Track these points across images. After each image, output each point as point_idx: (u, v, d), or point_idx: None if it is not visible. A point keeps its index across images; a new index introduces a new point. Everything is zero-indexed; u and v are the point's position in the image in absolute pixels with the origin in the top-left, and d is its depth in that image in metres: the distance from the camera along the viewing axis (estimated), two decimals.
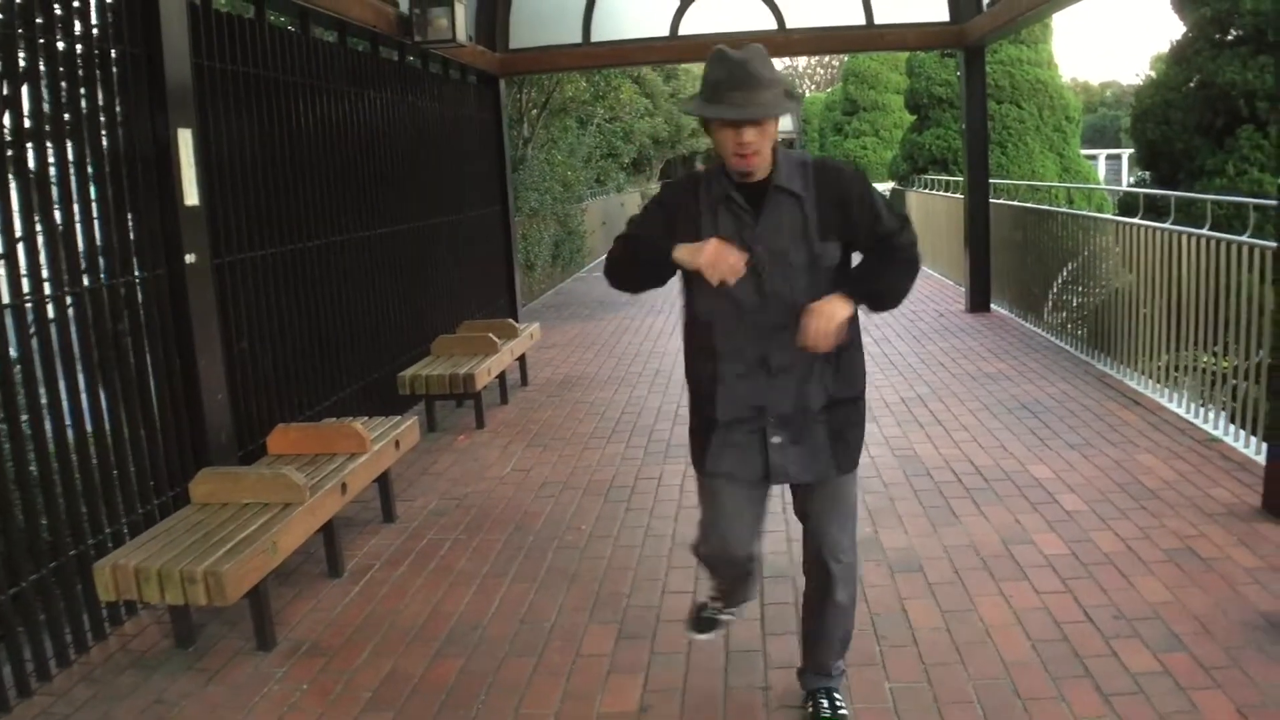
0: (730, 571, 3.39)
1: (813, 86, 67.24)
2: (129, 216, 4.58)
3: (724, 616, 3.65)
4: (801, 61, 72.57)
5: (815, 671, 3.43)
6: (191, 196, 4.86)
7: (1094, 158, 36.48)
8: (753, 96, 2.85)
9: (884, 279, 3.09)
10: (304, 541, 4.36)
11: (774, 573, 4.52)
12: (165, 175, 4.75)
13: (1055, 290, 9.59)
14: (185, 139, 4.83)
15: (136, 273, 4.61)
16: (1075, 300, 9.27)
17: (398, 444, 5.32)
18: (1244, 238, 6.07)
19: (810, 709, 3.38)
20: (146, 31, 4.69)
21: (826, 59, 55.84)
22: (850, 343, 3.10)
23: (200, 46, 5.27)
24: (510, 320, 8.47)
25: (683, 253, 2.94)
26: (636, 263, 3.13)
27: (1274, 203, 6.15)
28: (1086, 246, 8.97)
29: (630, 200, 29.59)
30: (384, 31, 7.93)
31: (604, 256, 3.36)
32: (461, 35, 8.45)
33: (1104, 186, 14.45)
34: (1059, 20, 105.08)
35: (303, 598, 4.51)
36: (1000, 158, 19.88)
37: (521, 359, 8.63)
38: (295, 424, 5.22)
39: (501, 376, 7.95)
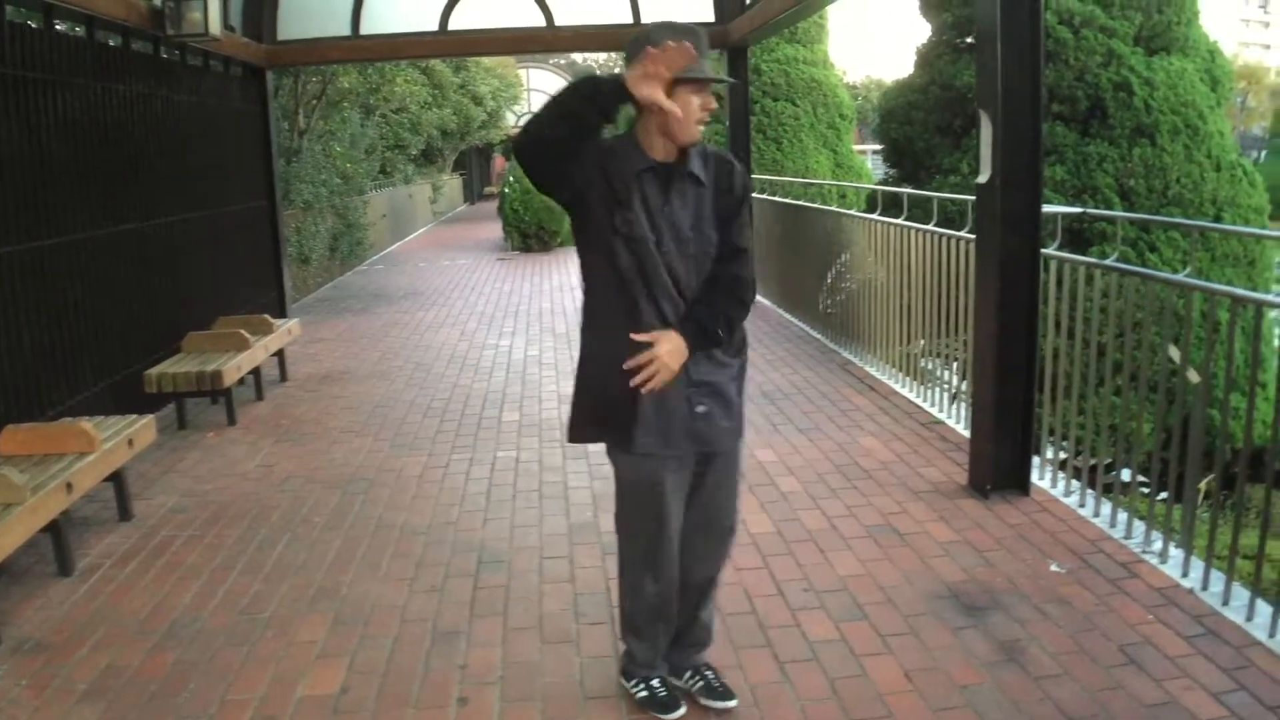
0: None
1: None
2: None
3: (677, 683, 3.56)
4: (602, 55, 73.04)
5: (700, 646, 3.60)
6: None
7: None
8: (709, 65, 3.00)
9: (720, 315, 3.15)
10: (28, 541, 4.37)
11: (492, 558, 4.77)
12: None
13: (827, 282, 10.04)
14: None
15: None
16: (827, 291, 9.76)
17: (131, 442, 5.35)
18: (963, 233, 6.46)
19: (701, 683, 3.52)
20: None
21: None
22: None
23: None
24: (266, 316, 8.47)
25: (631, 82, 2.87)
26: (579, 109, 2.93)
27: None
28: (836, 240, 9.45)
29: (420, 192, 29.42)
30: (136, 25, 7.84)
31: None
32: (215, 29, 8.40)
33: (853, 185, 15.12)
34: (860, 19, 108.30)
35: (31, 596, 4.52)
36: (776, 153, 20.55)
37: (280, 354, 8.65)
38: (25, 425, 5.22)
39: (257, 372, 7.97)
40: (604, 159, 3.05)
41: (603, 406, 3.23)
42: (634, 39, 3.03)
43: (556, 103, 2.93)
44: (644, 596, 3.41)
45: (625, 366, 3.07)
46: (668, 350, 3.06)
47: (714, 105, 3.04)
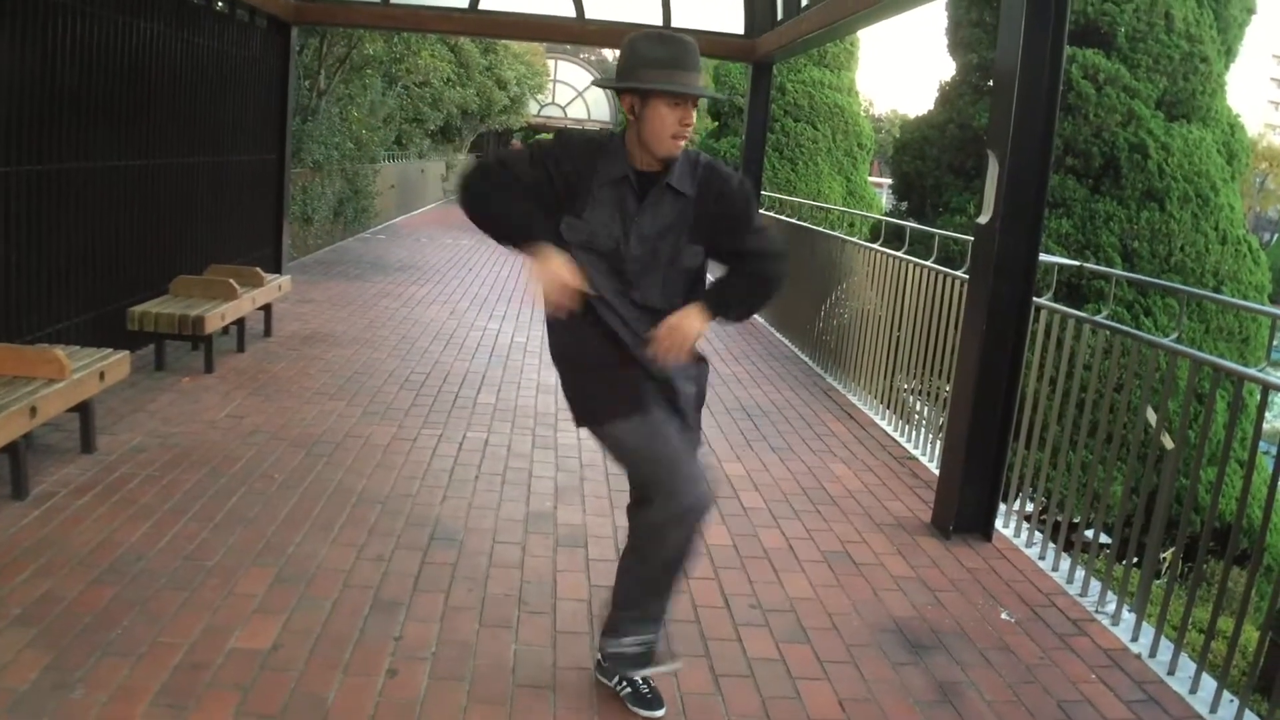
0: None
1: None
2: None
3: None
4: None
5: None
6: None
7: None
8: (696, 79, 2.97)
9: (739, 296, 3.21)
10: None
11: (444, 535, 4.75)
12: None
13: (824, 309, 10.04)
14: None
15: None
16: (823, 318, 9.74)
17: (103, 375, 5.32)
18: (959, 272, 6.40)
19: (629, 689, 3.47)
20: None
21: None
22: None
23: None
24: (258, 269, 8.43)
25: (535, 264, 2.98)
26: (497, 218, 3.06)
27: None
28: (836, 266, 9.42)
29: (433, 168, 29.37)
30: None
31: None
32: None
33: (857, 213, 15.15)
34: (892, 53, 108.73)
35: None
36: (790, 174, 20.58)
37: (267, 309, 8.62)
38: None
39: (240, 324, 7.94)
40: (570, 161, 3.08)
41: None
42: (624, 45, 3.06)
43: (487, 218, 3.04)
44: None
45: (647, 341, 3.13)
46: (674, 323, 3.09)
47: (692, 120, 3.00)
